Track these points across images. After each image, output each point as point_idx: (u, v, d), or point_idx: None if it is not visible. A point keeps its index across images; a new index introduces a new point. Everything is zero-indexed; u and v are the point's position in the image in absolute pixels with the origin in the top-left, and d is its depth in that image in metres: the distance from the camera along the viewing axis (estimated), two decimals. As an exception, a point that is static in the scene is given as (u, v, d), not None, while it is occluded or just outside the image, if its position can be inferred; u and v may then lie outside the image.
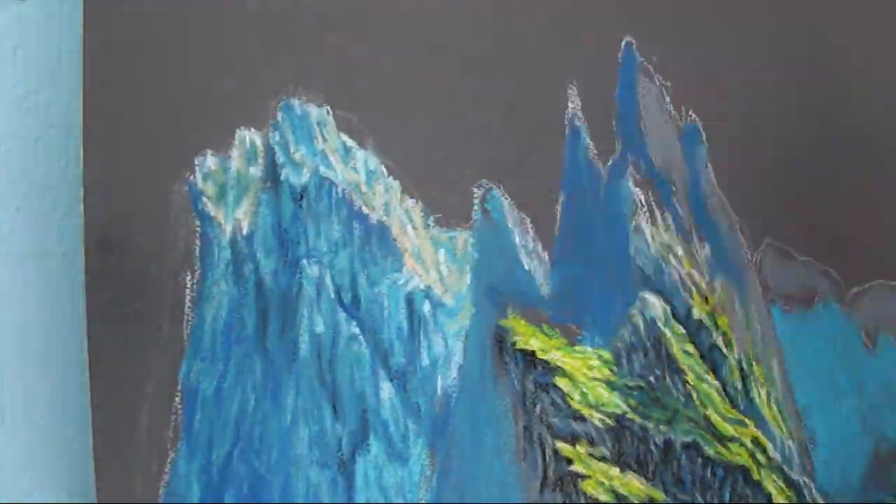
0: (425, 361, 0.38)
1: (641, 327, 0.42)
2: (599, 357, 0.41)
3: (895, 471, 0.47)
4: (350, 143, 0.37)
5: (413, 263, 0.38)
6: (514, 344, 0.39)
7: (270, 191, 0.36)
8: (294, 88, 0.37)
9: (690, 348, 0.43)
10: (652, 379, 0.42)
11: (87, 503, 0.38)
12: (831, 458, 0.46)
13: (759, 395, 0.45)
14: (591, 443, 0.40)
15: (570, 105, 0.42)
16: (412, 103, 0.39)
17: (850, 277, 0.43)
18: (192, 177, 0.35)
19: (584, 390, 0.41)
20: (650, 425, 0.42)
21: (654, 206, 0.44)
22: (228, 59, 0.36)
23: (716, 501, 0.42)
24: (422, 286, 0.38)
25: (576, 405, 0.40)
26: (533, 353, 0.40)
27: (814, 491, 0.45)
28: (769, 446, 0.44)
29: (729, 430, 0.43)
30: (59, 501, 0.39)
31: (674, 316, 0.43)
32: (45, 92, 0.38)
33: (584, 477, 0.40)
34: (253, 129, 0.36)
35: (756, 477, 0.44)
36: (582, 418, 0.40)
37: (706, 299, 0.44)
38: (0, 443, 0.38)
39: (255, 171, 0.36)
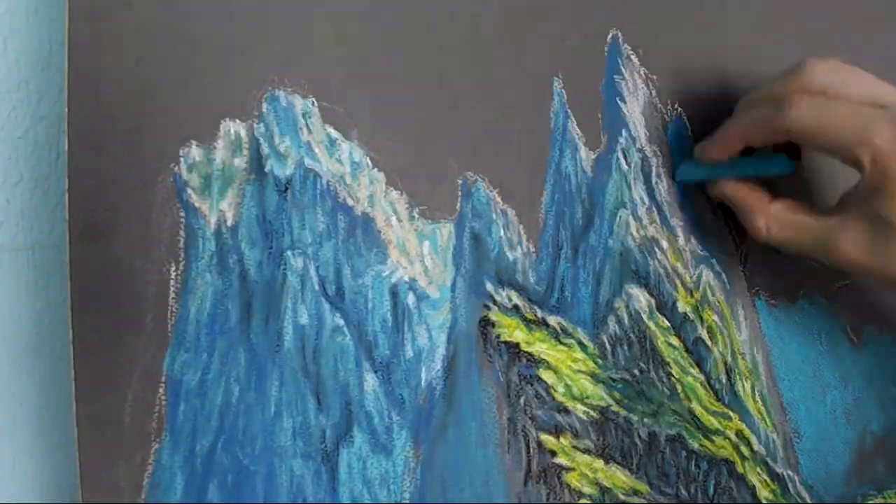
0: (409, 353, 0.38)
1: (626, 320, 0.43)
2: (584, 349, 0.41)
3: (879, 464, 0.48)
4: (335, 134, 0.37)
5: (397, 255, 0.38)
6: (498, 336, 0.40)
7: (255, 182, 0.36)
8: (279, 80, 0.37)
9: (675, 341, 0.44)
10: (636, 372, 0.42)
11: (70, 494, 0.38)
12: (816, 452, 0.46)
13: (744, 389, 0.45)
14: (576, 435, 0.41)
15: (556, 98, 0.42)
16: (398, 95, 0.39)
17: (835, 271, 0.43)
18: (176, 168, 0.35)
19: (569, 382, 0.41)
20: (634, 418, 0.42)
21: (640, 200, 0.44)
22: (213, 49, 0.36)
23: (700, 494, 0.43)
24: (406, 278, 0.38)
25: (560, 397, 0.40)
26: (517, 345, 0.40)
27: (798, 484, 0.45)
28: (753, 439, 0.44)
29: (713, 423, 0.44)
30: (42, 491, 0.39)
31: (658, 309, 0.43)
32: (36, 83, 0.38)
33: (567, 469, 0.40)
34: (238, 121, 0.36)
35: (740, 470, 0.44)
36: (566, 410, 0.41)
37: (691, 292, 0.44)
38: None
39: (240, 162, 0.36)
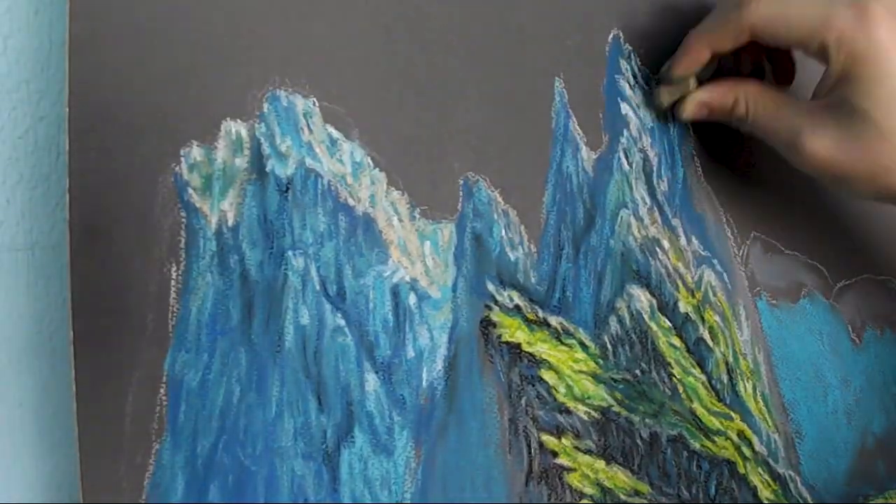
0: (410, 354, 0.38)
1: (628, 320, 0.43)
2: (585, 350, 0.41)
3: (880, 464, 0.48)
4: (336, 134, 0.37)
5: (399, 255, 0.38)
6: (499, 336, 0.40)
7: (256, 182, 0.36)
8: (280, 79, 0.37)
9: (677, 342, 0.43)
10: (638, 372, 0.42)
11: (70, 494, 0.38)
12: (817, 452, 0.46)
13: (745, 389, 0.45)
14: (577, 436, 0.41)
15: (558, 98, 0.42)
16: (399, 95, 0.39)
17: (836, 271, 0.43)
18: (177, 168, 0.35)
19: (570, 383, 0.41)
20: (636, 418, 0.42)
21: (641, 200, 0.44)
22: (214, 49, 0.36)
23: (701, 495, 0.43)
24: (407, 278, 0.38)
25: (561, 398, 0.40)
26: (518, 345, 0.40)
27: (799, 484, 0.45)
28: (755, 440, 0.44)
29: (715, 423, 0.44)
30: (42, 491, 0.39)
31: (660, 309, 0.43)
32: (36, 83, 0.38)
33: (569, 470, 0.40)
34: (239, 121, 0.36)
35: (742, 470, 0.44)
36: (567, 411, 0.41)
37: (692, 293, 0.44)
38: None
39: (241, 162, 0.36)
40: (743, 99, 0.41)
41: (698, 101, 0.43)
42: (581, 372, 0.41)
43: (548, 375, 0.40)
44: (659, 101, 0.44)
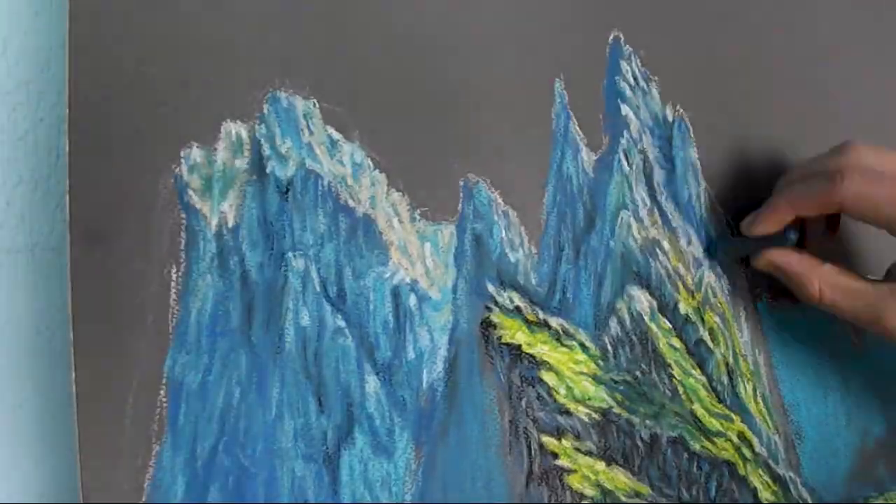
0: (411, 355, 0.38)
1: (628, 322, 0.42)
2: (586, 351, 0.41)
3: (880, 465, 0.48)
4: (336, 136, 0.37)
5: (399, 257, 0.38)
6: (499, 338, 0.39)
7: (256, 183, 0.36)
8: (280, 81, 0.37)
9: (677, 343, 0.43)
10: (638, 373, 0.42)
11: (70, 495, 0.38)
12: (817, 453, 0.46)
13: (746, 390, 0.45)
14: (577, 437, 0.40)
15: (558, 99, 0.42)
16: (399, 96, 0.39)
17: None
18: (177, 169, 0.35)
19: (570, 384, 0.41)
20: (636, 420, 0.42)
21: (642, 201, 0.44)
22: (214, 50, 0.35)
23: (701, 496, 0.43)
24: (407, 280, 0.38)
25: (562, 399, 0.40)
26: (519, 347, 0.40)
27: (799, 486, 0.45)
28: (755, 441, 0.44)
29: (715, 424, 0.44)
30: (42, 493, 0.39)
31: (660, 310, 0.43)
32: (36, 84, 0.38)
33: (569, 471, 0.40)
34: (239, 122, 0.36)
35: (742, 472, 0.44)
36: (568, 412, 0.40)
37: (692, 294, 0.44)
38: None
39: (241, 163, 0.36)
40: (817, 283, 0.43)
41: (769, 263, 0.45)
42: (581, 373, 0.41)
43: (548, 377, 0.40)
44: (736, 251, 0.46)
